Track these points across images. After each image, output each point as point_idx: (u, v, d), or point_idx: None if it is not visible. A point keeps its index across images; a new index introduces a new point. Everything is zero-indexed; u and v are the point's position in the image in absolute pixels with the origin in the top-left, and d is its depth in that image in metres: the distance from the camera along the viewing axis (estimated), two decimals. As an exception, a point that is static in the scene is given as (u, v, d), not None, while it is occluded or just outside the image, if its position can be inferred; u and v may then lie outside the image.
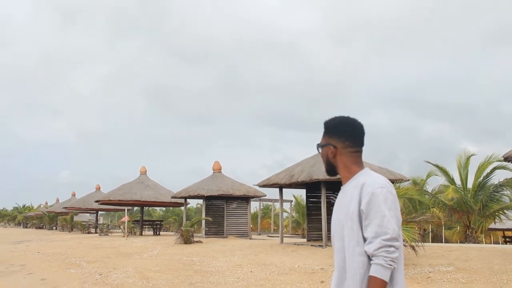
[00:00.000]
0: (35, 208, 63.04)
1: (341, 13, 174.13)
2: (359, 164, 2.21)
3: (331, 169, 2.27)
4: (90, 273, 10.66)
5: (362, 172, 2.17)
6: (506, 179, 19.69)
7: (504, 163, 16.79)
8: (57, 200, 50.16)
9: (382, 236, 1.93)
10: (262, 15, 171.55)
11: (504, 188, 20.05)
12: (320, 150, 2.30)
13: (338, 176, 2.25)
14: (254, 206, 38.16)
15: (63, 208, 40.54)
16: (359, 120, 2.26)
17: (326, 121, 2.29)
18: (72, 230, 38.06)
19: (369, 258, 1.97)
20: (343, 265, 2.07)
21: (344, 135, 2.20)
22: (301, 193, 33.00)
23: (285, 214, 35.57)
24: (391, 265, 1.91)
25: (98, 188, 36.83)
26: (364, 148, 2.26)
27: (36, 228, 51.82)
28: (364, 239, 2.00)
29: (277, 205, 28.39)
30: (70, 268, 11.61)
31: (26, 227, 58.05)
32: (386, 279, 1.91)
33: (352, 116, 2.27)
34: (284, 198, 19.53)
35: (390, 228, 1.94)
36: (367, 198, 1.99)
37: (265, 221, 43.76)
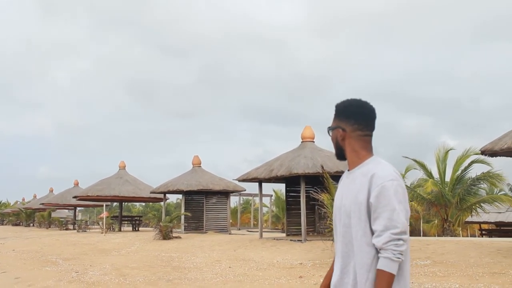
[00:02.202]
0: (11, 204, 62.03)
1: (326, 7, 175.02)
2: (369, 150, 2.15)
3: (340, 152, 2.22)
4: (66, 270, 10.49)
5: (371, 159, 2.11)
6: (483, 172, 19.98)
7: (482, 157, 16.98)
8: (35, 196, 49.39)
9: (391, 230, 1.90)
10: (246, 9, 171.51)
11: (481, 182, 20.35)
12: (330, 133, 2.25)
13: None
14: (234, 201, 38.15)
15: (40, 204, 39.91)
16: (370, 103, 2.20)
17: (337, 103, 2.24)
18: (49, 227, 37.54)
19: (377, 250, 1.95)
20: (347, 251, 2.05)
21: (353, 117, 2.15)
22: (281, 187, 33.11)
23: (264, 209, 35.61)
24: (399, 258, 1.90)
25: (76, 184, 36.36)
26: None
27: (13, 225, 50.92)
28: (371, 231, 1.97)
29: (257, 199, 28.34)
30: (46, 266, 11.42)
31: (2, 224, 56.99)
32: (394, 272, 1.90)
33: (363, 99, 2.21)
34: (264, 193, 19.50)
35: (399, 222, 1.91)
36: (376, 191, 1.95)
37: (244, 216, 43.73)
